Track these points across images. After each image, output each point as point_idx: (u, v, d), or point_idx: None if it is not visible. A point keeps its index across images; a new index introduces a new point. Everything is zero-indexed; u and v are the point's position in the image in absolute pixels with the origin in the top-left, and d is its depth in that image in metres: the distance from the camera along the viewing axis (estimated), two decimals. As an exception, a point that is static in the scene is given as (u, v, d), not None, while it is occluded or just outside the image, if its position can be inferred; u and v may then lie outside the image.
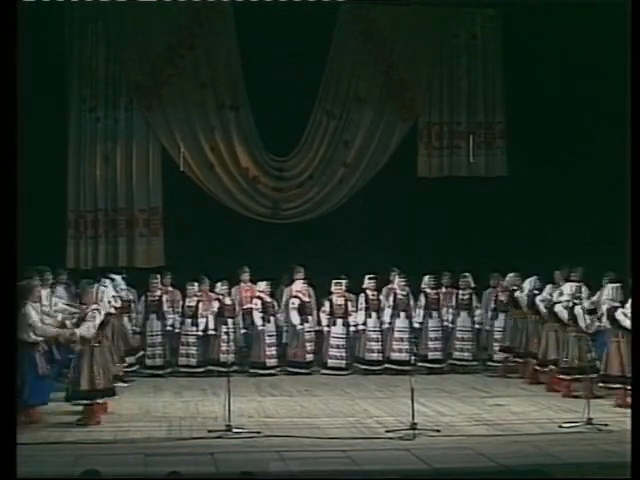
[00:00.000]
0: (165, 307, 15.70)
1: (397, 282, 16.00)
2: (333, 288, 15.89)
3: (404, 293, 15.94)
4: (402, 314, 15.87)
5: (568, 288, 13.52)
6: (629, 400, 11.33)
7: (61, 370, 12.63)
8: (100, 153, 17.60)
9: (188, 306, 15.71)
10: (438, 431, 10.51)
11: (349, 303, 15.92)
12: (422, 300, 15.96)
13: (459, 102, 18.52)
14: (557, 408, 12.14)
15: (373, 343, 15.85)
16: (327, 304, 15.92)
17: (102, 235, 17.61)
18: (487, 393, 13.65)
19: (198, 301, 15.72)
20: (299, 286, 16.03)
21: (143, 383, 14.58)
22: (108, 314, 12.01)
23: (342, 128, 18.22)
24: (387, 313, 15.86)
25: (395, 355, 15.69)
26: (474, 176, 18.42)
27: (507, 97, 18.40)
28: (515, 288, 15.37)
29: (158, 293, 15.78)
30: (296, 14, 16.46)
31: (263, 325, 15.67)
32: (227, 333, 14.79)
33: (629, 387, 11.63)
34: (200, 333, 15.57)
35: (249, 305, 15.94)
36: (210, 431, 10.45)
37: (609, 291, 12.77)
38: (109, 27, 17.52)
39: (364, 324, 15.86)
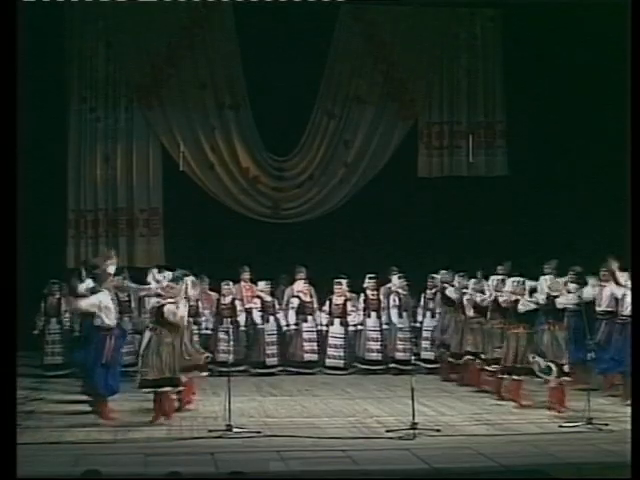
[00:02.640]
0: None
1: (397, 282, 15.98)
2: (334, 288, 15.88)
3: (404, 293, 15.92)
4: (404, 314, 15.85)
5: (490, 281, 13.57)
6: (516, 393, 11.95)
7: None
8: (100, 153, 17.64)
9: (189, 306, 15.67)
10: (438, 431, 10.50)
11: (349, 303, 15.92)
12: (422, 300, 15.95)
13: (459, 102, 18.55)
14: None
15: (373, 343, 15.82)
16: (327, 304, 15.92)
17: (102, 235, 17.64)
18: (487, 393, 13.62)
19: (198, 300, 15.70)
20: (300, 286, 16.02)
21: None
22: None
23: (342, 128, 18.25)
24: (388, 313, 15.83)
25: (400, 355, 15.64)
26: (474, 176, 18.44)
27: (507, 97, 18.43)
28: (446, 286, 15.26)
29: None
30: (296, 14, 16.48)
31: (262, 324, 15.69)
32: (227, 332, 14.79)
33: (516, 378, 12.22)
34: (202, 332, 15.55)
35: (249, 304, 15.94)
36: (210, 431, 10.44)
37: (509, 284, 12.72)
38: (109, 27, 17.56)
39: (362, 324, 15.86)
